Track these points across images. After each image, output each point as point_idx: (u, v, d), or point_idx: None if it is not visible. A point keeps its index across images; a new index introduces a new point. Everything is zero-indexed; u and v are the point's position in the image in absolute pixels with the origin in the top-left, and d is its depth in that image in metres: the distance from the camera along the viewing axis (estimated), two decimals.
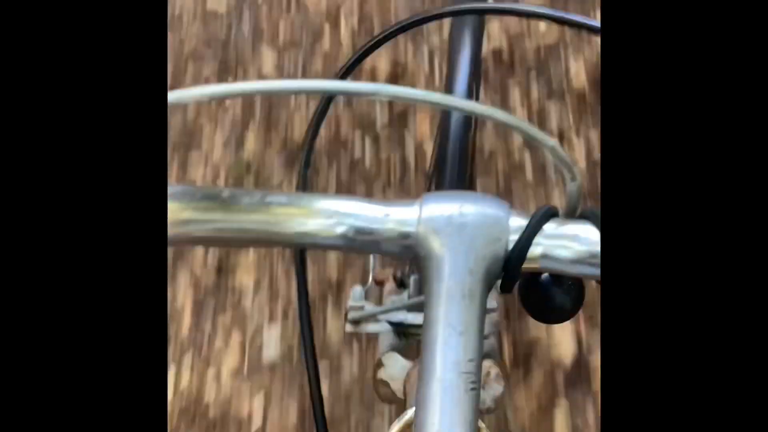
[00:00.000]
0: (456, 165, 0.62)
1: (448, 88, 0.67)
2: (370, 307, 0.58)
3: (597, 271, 0.36)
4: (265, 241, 0.37)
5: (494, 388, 0.53)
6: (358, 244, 0.37)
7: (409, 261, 0.37)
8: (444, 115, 0.70)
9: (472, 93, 0.67)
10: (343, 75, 0.47)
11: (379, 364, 0.55)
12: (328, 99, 0.47)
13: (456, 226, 0.36)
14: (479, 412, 0.56)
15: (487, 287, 0.36)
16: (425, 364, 0.35)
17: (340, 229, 0.37)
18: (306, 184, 0.48)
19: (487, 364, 0.54)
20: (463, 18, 0.70)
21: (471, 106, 0.35)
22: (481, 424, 0.43)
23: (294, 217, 0.37)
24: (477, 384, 0.35)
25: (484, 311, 0.36)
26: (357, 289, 0.58)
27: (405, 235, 0.37)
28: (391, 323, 0.57)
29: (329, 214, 0.37)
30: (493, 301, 0.57)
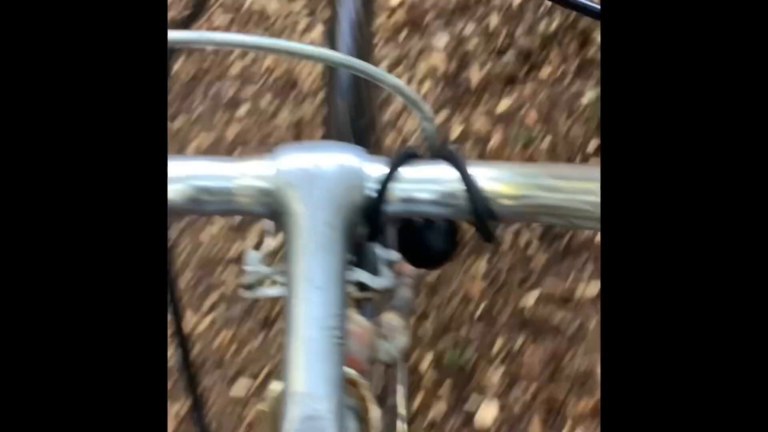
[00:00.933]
0: (344, 119, 0.61)
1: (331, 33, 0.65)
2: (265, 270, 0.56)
3: (455, 211, 0.36)
4: None
5: (399, 340, 0.55)
6: (215, 206, 0.36)
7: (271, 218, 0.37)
8: (329, 67, 0.67)
9: (356, 41, 0.65)
10: (187, 22, 0.43)
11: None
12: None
13: (311, 177, 0.35)
14: (377, 362, 0.57)
15: (349, 238, 0.36)
16: (288, 322, 0.34)
17: (190, 193, 0.35)
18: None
19: (391, 316, 0.55)
20: None
21: (296, 48, 0.35)
22: (354, 374, 0.43)
23: None
24: (342, 338, 0.35)
25: (346, 264, 0.36)
26: (252, 254, 0.56)
27: (262, 191, 0.36)
28: None
29: (176, 179, 0.35)
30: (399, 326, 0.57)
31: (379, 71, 0.36)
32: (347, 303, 0.57)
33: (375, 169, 0.36)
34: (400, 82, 0.36)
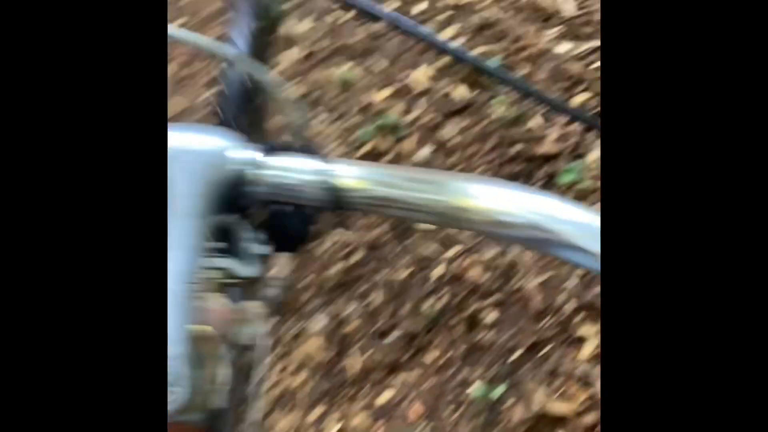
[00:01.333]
0: (231, 109, 0.67)
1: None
2: None
3: (313, 199, 0.41)
4: None
5: (258, 325, 0.57)
6: None
7: None
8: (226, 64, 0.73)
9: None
10: None
11: None
12: None
13: (189, 154, 0.41)
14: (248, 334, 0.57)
15: (214, 210, 0.41)
16: None
17: None
18: None
19: (255, 304, 0.57)
20: None
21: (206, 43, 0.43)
22: (211, 331, 0.46)
23: None
24: (196, 292, 0.40)
25: (208, 232, 0.41)
26: None
27: None
28: None
29: None
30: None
31: (251, 61, 0.45)
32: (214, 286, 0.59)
33: (247, 153, 0.42)
34: (274, 76, 0.44)
